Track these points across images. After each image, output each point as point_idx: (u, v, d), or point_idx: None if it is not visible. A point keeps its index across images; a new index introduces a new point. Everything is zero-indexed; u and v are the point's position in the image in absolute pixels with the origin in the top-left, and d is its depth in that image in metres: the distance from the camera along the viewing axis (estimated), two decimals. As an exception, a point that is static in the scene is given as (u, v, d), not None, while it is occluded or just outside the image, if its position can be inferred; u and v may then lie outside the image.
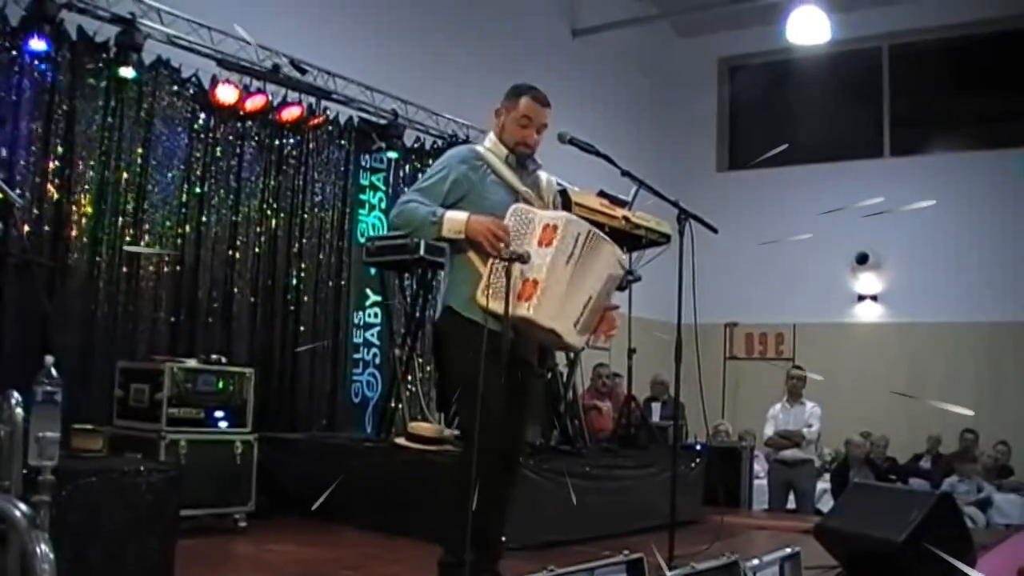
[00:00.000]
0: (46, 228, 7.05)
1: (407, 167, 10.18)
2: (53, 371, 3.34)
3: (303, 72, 8.67)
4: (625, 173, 5.04)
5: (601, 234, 4.39)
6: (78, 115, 7.26)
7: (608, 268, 4.39)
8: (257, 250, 8.59)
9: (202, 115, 8.19)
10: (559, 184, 6.26)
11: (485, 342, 3.99)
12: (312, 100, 8.93)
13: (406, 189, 10.01)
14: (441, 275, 8.20)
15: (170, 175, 7.93)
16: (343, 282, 9.45)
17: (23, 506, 2.67)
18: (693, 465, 8.28)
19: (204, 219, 8.17)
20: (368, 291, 9.79)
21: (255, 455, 6.71)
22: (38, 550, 2.50)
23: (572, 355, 7.71)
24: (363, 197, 9.83)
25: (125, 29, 7.31)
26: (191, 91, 8.10)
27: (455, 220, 4.23)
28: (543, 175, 4.69)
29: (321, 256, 9.21)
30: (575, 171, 6.11)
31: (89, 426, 5.15)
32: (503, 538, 4.53)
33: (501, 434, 4.14)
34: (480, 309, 4.18)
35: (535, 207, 4.37)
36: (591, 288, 4.28)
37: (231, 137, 8.42)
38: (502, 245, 4.11)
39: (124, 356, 7.10)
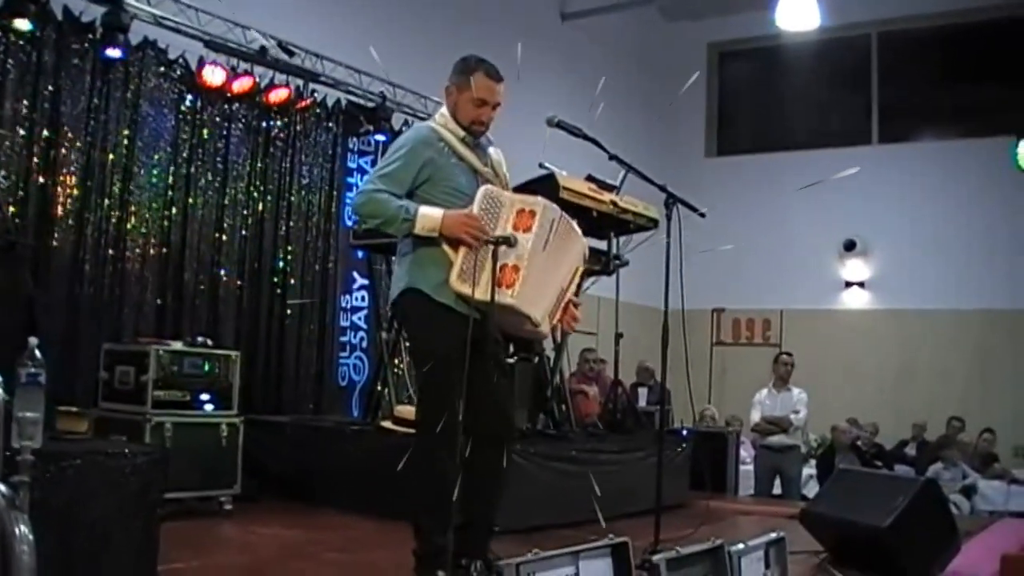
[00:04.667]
0: (31, 209, 7.02)
1: (395, 150, 10.15)
2: (37, 353, 3.31)
3: (291, 54, 8.63)
4: (613, 157, 5.02)
5: (573, 223, 4.36)
6: (64, 96, 7.22)
7: (577, 261, 4.40)
8: (244, 233, 8.57)
9: (189, 97, 8.16)
10: (547, 167, 6.28)
11: (471, 329, 3.97)
12: (300, 82, 8.88)
13: (372, 170, 10.11)
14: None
15: (156, 157, 7.90)
16: (330, 265, 9.42)
17: (2, 487, 2.65)
18: (679, 450, 8.30)
19: (191, 201, 8.14)
20: (355, 274, 9.77)
21: (241, 438, 6.68)
22: (17, 531, 2.48)
23: (558, 339, 7.70)
24: (350, 180, 9.79)
25: (111, 9, 7.25)
26: (178, 72, 8.05)
27: (429, 218, 4.11)
28: (493, 150, 4.56)
29: (308, 239, 9.19)
30: (563, 155, 6.09)
31: (74, 408, 5.15)
32: (490, 526, 4.47)
33: (479, 419, 4.12)
34: (454, 294, 4.12)
35: (495, 186, 4.30)
36: (563, 280, 4.30)
37: (218, 119, 8.39)
38: (483, 236, 4.06)
39: (110, 338, 7.07)
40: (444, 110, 4.46)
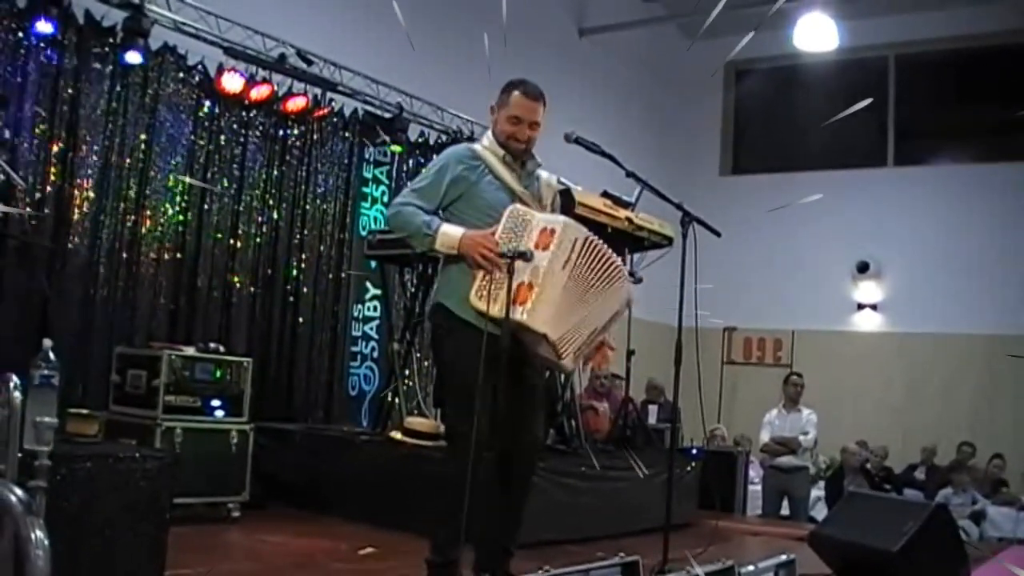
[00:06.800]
0: (47, 211, 7.04)
1: (411, 161, 10.18)
2: (51, 355, 3.31)
3: (309, 63, 8.65)
4: (630, 174, 5.01)
5: (613, 258, 4.30)
6: (83, 99, 7.25)
7: (618, 304, 4.37)
8: (258, 240, 8.58)
9: (207, 103, 8.18)
10: (562, 183, 6.26)
11: (484, 345, 3.96)
12: (317, 91, 8.91)
13: (408, 184, 10.16)
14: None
15: (173, 162, 7.92)
16: (343, 275, 9.43)
17: (19, 491, 2.64)
18: (689, 469, 8.27)
19: (206, 207, 8.15)
20: (368, 284, 9.77)
21: (251, 445, 6.68)
22: (32, 536, 2.47)
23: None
24: (366, 190, 9.82)
25: (132, 14, 7.28)
26: (196, 79, 8.08)
27: (449, 236, 4.20)
28: (543, 174, 4.61)
29: (322, 248, 9.20)
30: (580, 170, 6.09)
31: (85, 411, 5.14)
32: (509, 545, 4.45)
33: (495, 435, 4.12)
34: (473, 310, 4.14)
35: (532, 208, 4.31)
36: (595, 316, 4.24)
37: (235, 126, 8.41)
38: (494, 257, 4.07)
39: (122, 341, 7.08)
40: (489, 132, 4.53)
